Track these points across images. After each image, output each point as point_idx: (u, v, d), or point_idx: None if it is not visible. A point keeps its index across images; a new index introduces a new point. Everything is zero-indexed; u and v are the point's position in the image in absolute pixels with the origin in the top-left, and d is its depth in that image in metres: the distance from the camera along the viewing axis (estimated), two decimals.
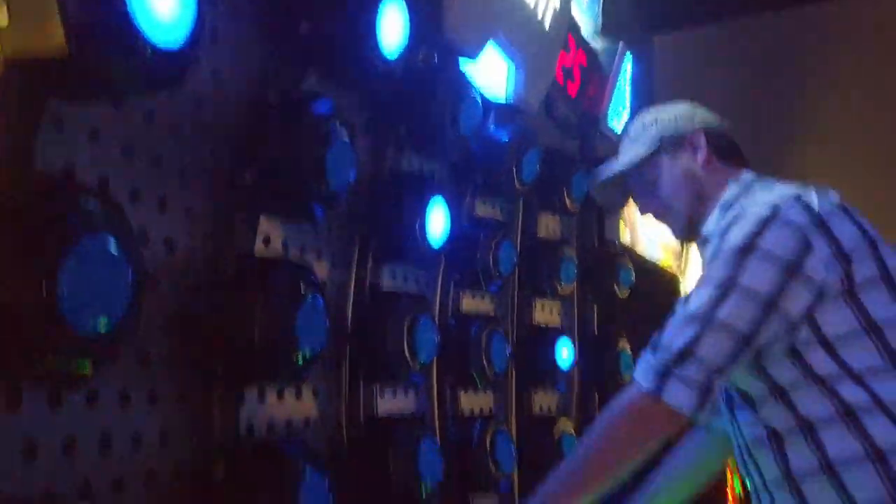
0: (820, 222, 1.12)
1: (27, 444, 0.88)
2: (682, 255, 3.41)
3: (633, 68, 2.71)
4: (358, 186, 1.54)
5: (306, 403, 1.44)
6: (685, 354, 1.09)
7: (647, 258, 3.03)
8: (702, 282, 1.15)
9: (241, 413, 1.23)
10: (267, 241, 1.36)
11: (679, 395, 1.08)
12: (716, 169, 1.34)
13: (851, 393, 1.08)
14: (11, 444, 0.86)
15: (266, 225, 1.32)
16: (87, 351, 0.76)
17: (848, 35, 3.90)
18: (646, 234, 3.10)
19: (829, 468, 1.07)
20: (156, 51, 0.85)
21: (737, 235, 1.13)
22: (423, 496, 1.44)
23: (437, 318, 1.75)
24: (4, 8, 0.79)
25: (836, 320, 1.10)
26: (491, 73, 1.92)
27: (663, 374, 1.09)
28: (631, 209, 2.79)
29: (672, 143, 1.37)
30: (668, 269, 3.30)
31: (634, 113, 2.72)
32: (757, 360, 1.12)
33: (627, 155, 1.41)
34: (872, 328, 1.09)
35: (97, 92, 0.86)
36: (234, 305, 1.14)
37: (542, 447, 2.03)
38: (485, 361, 1.80)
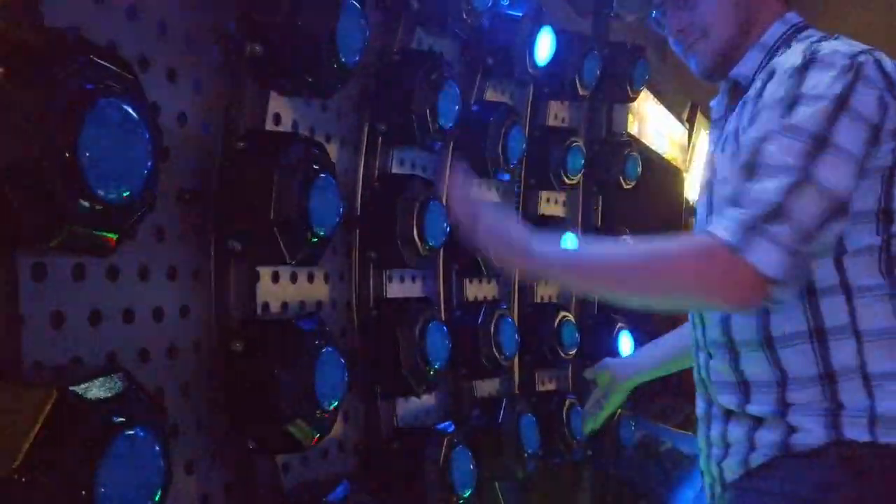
0: (891, 84, 1.00)
1: (54, 314, 0.89)
2: (688, 150, 3.37)
3: None
4: (367, 65, 1.48)
5: (318, 286, 1.46)
6: (778, 211, 0.92)
7: (653, 150, 3.00)
8: (777, 126, 0.97)
9: (257, 293, 1.24)
10: (277, 119, 1.32)
11: (769, 256, 0.91)
12: (765, 2, 1.15)
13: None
14: (40, 312, 0.87)
15: (276, 103, 1.28)
16: (111, 219, 0.74)
17: None
18: (653, 125, 3.04)
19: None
20: None
21: (821, 82, 0.97)
22: (431, 375, 1.49)
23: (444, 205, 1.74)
24: None
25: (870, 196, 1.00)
26: None
27: (751, 229, 0.92)
28: (640, 105, 2.73)
29: None
30: (674, 163, 3.27)
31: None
32: None
33: None
34: (886, 217, 1.02)
35: None
36: (247, 181, 1.12)
37: (543, 333, 2.08)
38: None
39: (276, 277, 1.33)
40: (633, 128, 2.86)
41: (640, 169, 2.45)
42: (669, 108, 3.16)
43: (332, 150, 1.49)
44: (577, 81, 2.11)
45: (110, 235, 0.77)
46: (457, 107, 1.59)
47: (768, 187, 0.94)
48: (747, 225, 0.93)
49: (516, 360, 2.00)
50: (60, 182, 0.68)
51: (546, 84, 2.14)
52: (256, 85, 1.19)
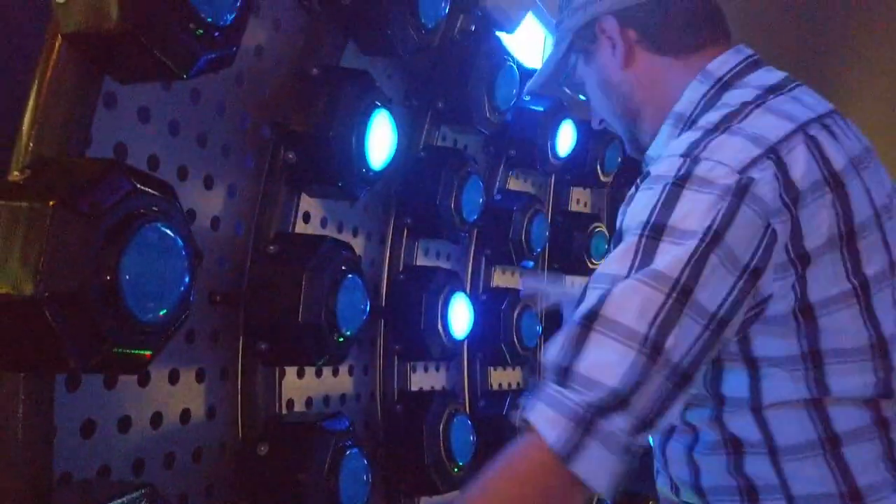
0: (793, 201, 0.78)
1: (86, 423, 0.90)
2: None
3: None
4: (394, 161, 1.53)
5: (343, 379, 1.46)
6: (617, 402, 0.71)
7: None
8: (629, 262, 0.76)
9: (282, 389, 1.25)
10: (307, 217, 1.36)
11: (596, 464, 0.71)
12: (646, 67, 0.94)
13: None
14: (71, 421, 0.88)
15: (306, 202, 1.32)
16: (147, 339, 0.76)
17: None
18: None
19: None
20: (211, 28, 0.83)
21: (690, 212, 0.76)
22: (455, 472, 1.46)
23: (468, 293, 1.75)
24: None
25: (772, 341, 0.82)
26: (527, 43, 1.88)
27: (579, 427, 0.71)
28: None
29: (582, 36, 0.98)
30: None
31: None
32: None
33: (549, 54, 1.06)
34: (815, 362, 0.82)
35: (152, 71, 0.84)
36: (276, 283, 1.14)
37: None
38: (515, 338, 1.80)
39: (300, 373, 1.34)
40: None
41: None
42: None
43: (359, 242, 1.52)
44: (598, 170, 2.15)
45: (146, 352, 0.78)
46: (480, 200, 1.63)
47: (605, 364, 0.72)
48: (575, 419, 0.71)
49: None
50: (101, 307, 0.70)
51: (568, 171, 2.19)
52: (288, 188, 1.23)
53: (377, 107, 1.23)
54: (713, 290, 0.75)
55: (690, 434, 0.91)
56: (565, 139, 1.95)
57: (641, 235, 0.77)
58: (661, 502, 1.01)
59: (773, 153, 0.80)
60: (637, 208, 0.81)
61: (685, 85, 0.93)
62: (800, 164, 0.80)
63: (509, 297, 1.84)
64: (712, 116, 0.87)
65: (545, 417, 0.73)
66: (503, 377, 1.99)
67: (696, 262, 0.74)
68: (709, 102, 0.91)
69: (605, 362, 0.72)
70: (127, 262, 0.72)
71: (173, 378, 1.07)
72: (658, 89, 0.95)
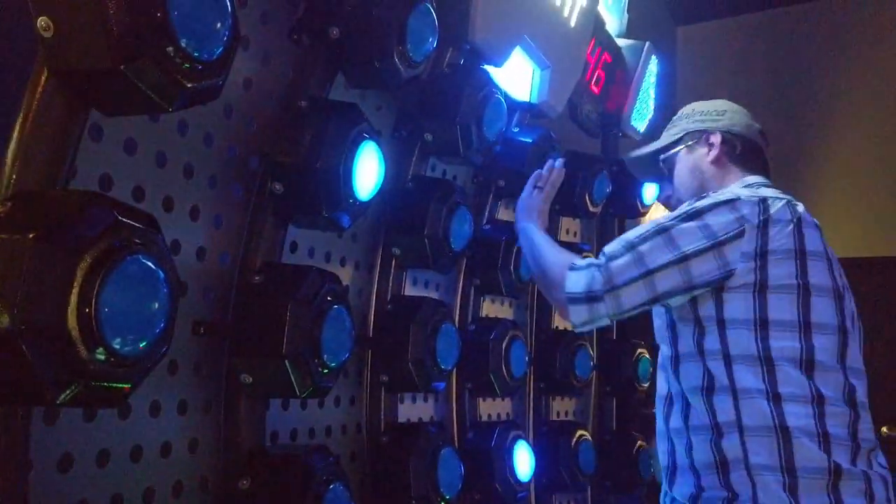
0: (765, 223, 1.20)
1: (63, 457, 0.89)
2: None
3: (658, 69, 2.68)
4: (382, 191, 1.54)
5: (328, 410, 1.45)
6: (611, 286, 1.20)
7: None
8: (658, 227, 1.23)
9: (266, 422, 1.23)
10: (294, 247, 1.36)
11: (575, 286, 1.23)
12: (724, 169, 1.41)
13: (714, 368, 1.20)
14: (48, 456, 0.87)
15: (293, 232, 1.32)
16: (127, 372, 0.76)
17: (871, 28, 3.85)
18: None
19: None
20: (196, 62, 0.84)
21: (697, 204, 1.24)
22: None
23: (456, 324, 1.74)
24: (48, 19, 0.79)
25: (736, 306, 1.19)
26: (516, 76, 1.90)
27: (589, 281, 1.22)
28: (652, 215, 2.77)
29: (693, 138, 1.46)
30: None
31: (658, 112, 2.71)
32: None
33: (661, 140, 1.52)
34: (762, 325, 1.18)
35: (138, 104, 0.85)
36: (261, 314, 1.14)
37: (559, 453, 2.03)
38: (504, 368, 1.79)
39: (285, 404, 1.33)
40: None
41: None
42: None
43: (347, 272, 1.52)
44: (587, 200, 2.16)
45: (124, 385, 0.78)
46: (468, 230, 1.63)
47: (622, 267, 1.21)
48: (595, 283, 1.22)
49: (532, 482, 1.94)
50: (79, 341, 0.70)
51: (558, 201, 2.20)
52: (275, 219, 1.24)
53: (364, 138, 1.24)
54: (685, 238, 1.20)
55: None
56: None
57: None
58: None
59: (759, 195, 1.24)
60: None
61: (734, 182, 1.39)
62: (776, 206, 1.23)
63: (498, 327, 1.83)
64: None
65: (587, 264, 1.27)
66: (492, 408, 1.98)
67: (680, 219, 1.22)
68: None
69: (621, 268, 1.22)
70: (106, 294, 0.72)
71: (154, 410, 1.06)
72: (719, 181, 1.41)
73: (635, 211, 2.45)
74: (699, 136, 1.45)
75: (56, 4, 0.79)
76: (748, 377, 1.16)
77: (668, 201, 1.53)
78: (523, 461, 1.78)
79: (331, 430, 1.45)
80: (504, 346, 1.80)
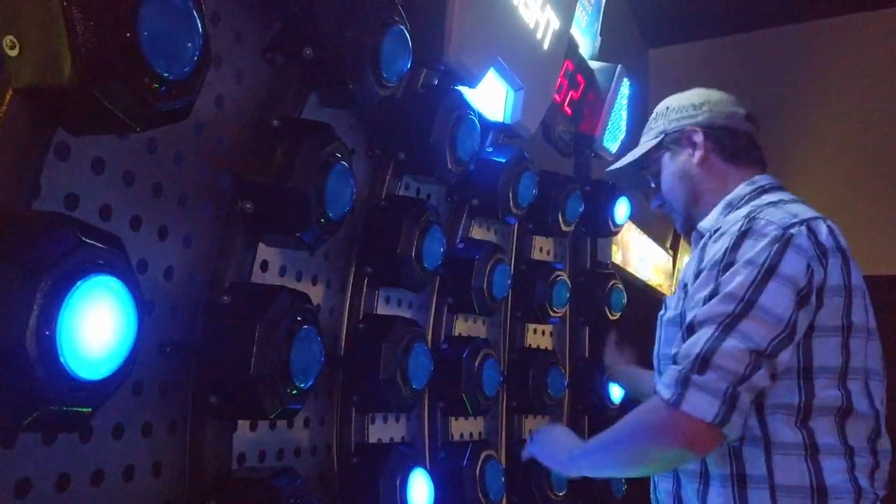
0: (822, 255, 1.12)
1: (20, 482, 0.87)
2: (672, 275, 3.43)
3: (630, 91, 2.73)
4: (355, 210, 1.54)
5: (298, 431, 1.43)
6: (703, 361, 1.05)
7: (638, 278, 3.05)
8: (712, 291, 1.11)
9: (234, 443, 1.22)
10: (264, 266, 1.35)
11: (699, 403, 1.04)
12: (717, 169, 1.31)
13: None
14: (4, 482, 0.84)
15: (264, 250, 1.31)
16: (88, 396, 0.74)
17: (838, 53, 3.97)
18: (637, 253, 3.11)
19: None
20: (166, 82, 0.83)
21: (752, 250, 1.10)
22: None
23: (429, 343, 1.74)
24: (14, 38, 0.78)
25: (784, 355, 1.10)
26: (489, 96, 1.92)
27: (683, 383, 1.06)
28: (624, 234, 2.81)
29: (673, 139, 1.35)
30: (658, 289, 3.32)
31: (630, 133, 2.75)
32: None
33: (639, 147, 1.42)
34: (806, 374, 1.11)
35: (106, 124, 0.84)
36: (229, 335, 1.12)
37: (531, 472, 2.02)
38: (476, 387, 1.79)
39: (254, 426, 1.31)
40: (617, 257, 2.92)
41: (625, 300, 2.48)
42: (653, 236, 3.26)
43: (319, 291, 1.51)
44: (560, 219, 2.18)
45: (85, 410, 0.76)
46: (441, 249, 1.64)
47: (696, 341, 1.07)
48: (679, 379, 1.07)
49: (504, 499, 1.94)
50: (38, 364, 0.69)
51: (531, 220, 2.22)
52: (245, 238, 1.23)
53: (337, 158, 1.24)
54: (772, 298, 1.07)
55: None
56: (526, 189, 1.98)
57: (717, 271, 1.13)
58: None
59: (805, 223, 1.15)
60: (713, 251, 1.16)
61: (737, 184, 1.31)
62: (823, 232, 1.15)
63: (471, 346, 1.84)
64: (758, 201, 1.25)
65: (664, 385, 1.09)
66: (464, 427, 1.98)
67: (757, 286, 1.08)
68: (750, 198, 1.28)
69: (694, 342, 1.08)
70: (67, 316, 0.71)
71: (117, 433, 1.03)
72: (716, 184, 1.31)
73: (607, 230, 2.48)
74: (679, 137, 1.34)
75: (23, 23, 0.78)
76: (785, 430, 1.10)
77: (661, 209, 1.44)
78: (494, 481, 1.77)
79: (300, 452, 1.43)
80: (476, 364, 1.80)
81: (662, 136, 1.36)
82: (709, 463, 1.15)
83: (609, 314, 2.43)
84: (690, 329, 1.10)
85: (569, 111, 2.44)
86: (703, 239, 1.23)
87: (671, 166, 1.36)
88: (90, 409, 0.77)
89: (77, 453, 0.97)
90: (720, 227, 1.20)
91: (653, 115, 1.42)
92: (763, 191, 1.28)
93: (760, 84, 4.06)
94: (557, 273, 2.21)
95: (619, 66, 2.63)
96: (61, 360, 0.71)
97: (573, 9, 2.19)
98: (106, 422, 1.02)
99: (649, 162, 1.39)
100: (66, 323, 0.71)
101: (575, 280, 2.40)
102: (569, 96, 2.42)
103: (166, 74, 0.83)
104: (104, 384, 0.77)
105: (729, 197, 1.29)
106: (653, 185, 1.41)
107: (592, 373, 2.38)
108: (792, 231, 1.12)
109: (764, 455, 1.10)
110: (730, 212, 1.27)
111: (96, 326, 0.75)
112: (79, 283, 0.72)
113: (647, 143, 1.39)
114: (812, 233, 1.13)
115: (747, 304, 1.07)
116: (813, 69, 3.92)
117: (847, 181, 3.83)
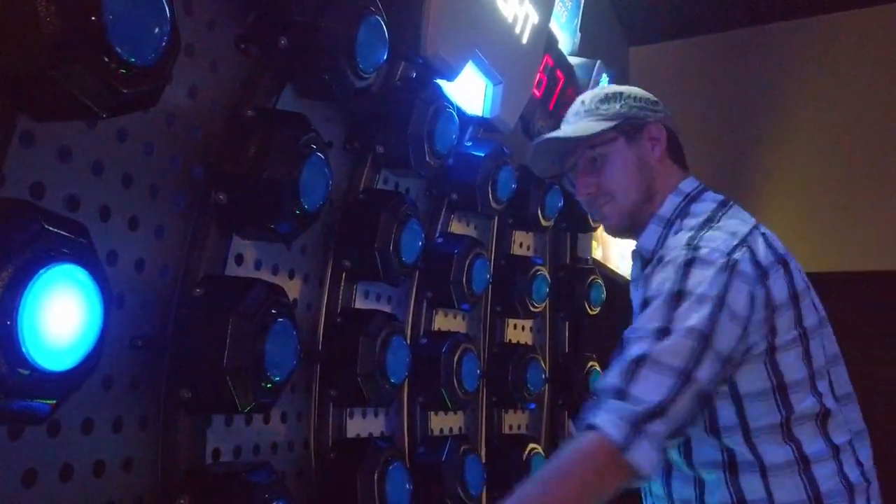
0: (763, 275, 1.12)
1: None
2: None
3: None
4: (333, 203, 1.52)
5: (275, 426, 1.41)
6: (660, 411, 1.02)
7: (619, 274, 3.06)
8: (664, 319, 1.07)
9: (208, 438, 1.20)
10: (239, 260, 1.33)
11: (645, 456, 1.00)
12: (667, 167, 1.29)
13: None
14: None
15: (238, 244, 1.30)
16: (53, 388, 0.72)
17: (816, 52, 4.02)
18: (617, 249, 3.13)
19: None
20: (131, 68, 0.82)
21: (703, 281, 1.09)
22: None
23: (408, 337, 1.73)
24: None
25: (751, 378, 1.12)
26: (468, 90, 1.91)
27: (634, 428, 1.01)
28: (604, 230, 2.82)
29: (633, 126, 1.28)
30: None
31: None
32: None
33: (580, 125, 1.29)
34: (781, 392, 1.13)
35: (71, 110, 0.82)
36: (202, 328, 1.11)
37: (512, 467, 2.02)
38: (456, 382, 1.78)
39: (228, 420, 1.29)
40: (597, 253, 2.93)
41: (604, 296, 2.49)
42: None
43: (296, 285, 1.50)
44: (539, 214, 2.19)
45: (49, 402, 0.74)
46: (419, 243, 1.63)
47: (656, 388, 1.03)
48: (632, 423, 1.02)
49: (484, 495, 1.93)
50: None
51: (510, 215, 2.22)
52: (219, 230, 1.21)
53: (312, 149, 1.23)
54: (726, 338, 1.07)
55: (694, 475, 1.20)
56: (506, 183, 1.98)
57: (665, 300, 1.09)
58: None
59: (745, 242, 1.15)
60: (659, 281, 1.13)
61: (666, 196, 1.28)
62: (761, 249, 1.15)
63: (450, 340, 1.83)
64: (693, 221, 1.23)
65: (610, 422, 1.02)
66: (444, 422, 1.97)
67: (712, 320, 1.07)
68: (682, 210, 1.26)
69: (649, 389, 1.03)
70: (29, 306, 0.69)
71: (87, 428, 1.01)
72: (665, 184, 1.29)
73: (587, 226, 2.49)
74: (640, 126, 1.28)
75: None
76: (776, 450, 1.12)
77: (588, 198, 1.31)
78: (475, 474, 1.77)
79: (277, 447, 1.41)
80: (456, 359, 1.80)
81: (622, 118, 1.27)
82: (707, 495, 1.16)
83: (588, 309, 2.44)
84: (637, 362, 1.05)
85: (548, 106, 2.44)
86: (649, 268, 1.20)
87: (628, 154, 1.27)
88: (54, 401, 0.75)
89: (45, 448, 0.95)
90: (663, 255, 1.17)
91: (601, 96, 1.31)
92: (690, 200, 1.27)
93: (741, 83, 4.10)
94: (537, 268, 2.21)
95: (598, 62, 2.64)
96: (23, 349, 0.69)
97: (552, 3, 2.19)
98: (75, 416, 1.00)
99: (600, 144, 1.28)
100: (27, 312, 0.69)
101: (555, 275, 2.40)
102: (548, 91, 2.42)
103: (132, 59, 0.82)
104: (69, 376, 0.75)
105: (661, 212, 1.27)
106: (587, 167, 1.31)
107: (571, 367, 2.39)
108: (736, 256, 1.11)
109: (760, 478, 1.12)
110: (665, 228, 1.26)
111: (60, 316, 0.74)
112: (41, 271, 0.71)
113: (597, 123, 1.27)
114: (752, 254, 1.13)
115: (702, 342, 1.05)
116: (794, 68, 3.96)
117: (824, 178, 3.88)
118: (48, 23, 0.75)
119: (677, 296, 1.09)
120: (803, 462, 1.12)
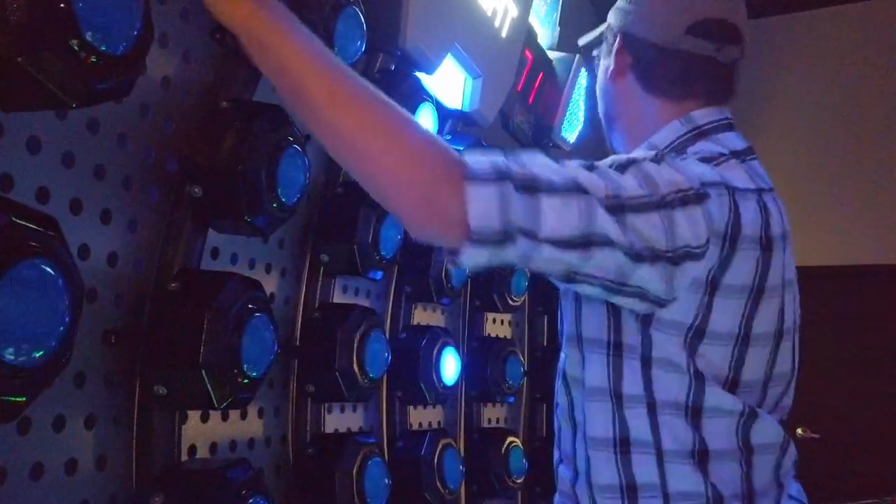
0: (733, 238, 0.88)
1: None
2: None
3: (588, 82, 2.74)
4: (310, 197, 1.51)
5: (252, 422, 1.40)
6: (535, 187, 0.78)
7: None
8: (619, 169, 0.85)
9: (183, 435, 1.18)
10: (215, 254, 1.31)
11: (483, 199, 0.75)
12: (634, 93, 1.01)
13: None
14: None
15: (214, 237, 1.28)
16: (20, 385, 0.71)
17: (800, 47, 4.09)
18: None
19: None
20: (102, 57, 0.80)
21: (654, 170, 0.85)
22: None
23: (387, 332, 1.73)
24: None
25: (683, 309, 0.88)
26: (447, 84, 1.91)
27: (497, 174, 0.78)
28: None
29: (609, 38, 1.06)
30: None
31: (588, 124, 2.77)
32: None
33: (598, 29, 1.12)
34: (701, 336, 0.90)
35: (40, 100, 0.80)
36: (177, 323, 1.09)
37: (490, 460, 2.03)
38: (434, 376, 1.78)
39: (205, 416, 1.28)
40: None
41: None
42: None
43: (273, 279, 1.48)
44: None
45: (19, 399, 0.72)
46: (398, 237, 1.62)
47: (549, 175, 0.81)
48: (499, 172, 0.78)
49: (462, 488, 1.94)
50: None
51: None
52: (194, 224, 1.19)
53: (289, 141, 1.21)
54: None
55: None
56: None
57: (610, 166, 0.86)
58: (559, 494, 1.11)
59: (732, 193, 0.89)
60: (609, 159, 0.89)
61: (664, 122, 1.01)
62: (750, 213, 0.90)
63: (429, 334, 1.82)
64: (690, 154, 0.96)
65: (479, 159, 0.81)
66: (423, 416, 1.97)
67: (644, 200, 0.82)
68: (683, 143, 0.99)
69: (543, 172, 0.82)
70: None
71: (58, 425, 0.99)
72: (633, 113, 1.03)
73: None
74: (612, 37, 1.03)
75: None
76: (675, 435, 0.90)
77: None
78: (453, 469, 1.77)
79: (254, 443, 1.40)
80: (435, 353, 1.79)
81: (607, 25, 1.07)
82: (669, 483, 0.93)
83: None
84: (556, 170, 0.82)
85: (527, 100, 2.44)
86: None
87: (600, 76, 1.08)
88: (24, 399, 0.73)
89: (15, 446, 0.93)
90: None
91: None
92: (700, 134, 0.97)
93: None
94: None
95: (577, 57, 2.64)
96: None
97: None
98: (46, 414, 0.98)
99: (590, 58, 1.12)
100: None
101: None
102: (527, 85, 2.42)
103: (103, 48, 0.80)
104: (39, 372, 0.73)
105: (654, 139, 1.00)
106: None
107: (549, 360, 2.40)
108: (710, 192, 0.87)
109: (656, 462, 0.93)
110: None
111: (28, 311, 0.72)
112: (10, 266, 0.69)
113: (589, 34, 1.13)
114: (735, 209, 0.90)
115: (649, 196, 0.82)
116: (773, 63, 4.01)
117: (803, 172, 3.93)
118: (15, 9, 0.73)
119: (623, 164, 0.87)
120: (701, 456, 0.92)
